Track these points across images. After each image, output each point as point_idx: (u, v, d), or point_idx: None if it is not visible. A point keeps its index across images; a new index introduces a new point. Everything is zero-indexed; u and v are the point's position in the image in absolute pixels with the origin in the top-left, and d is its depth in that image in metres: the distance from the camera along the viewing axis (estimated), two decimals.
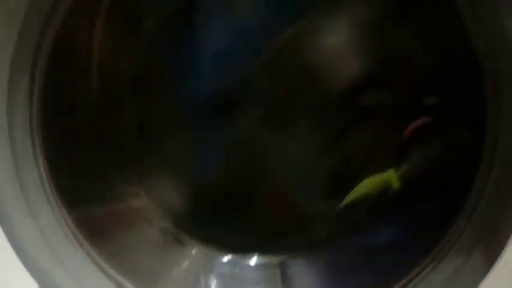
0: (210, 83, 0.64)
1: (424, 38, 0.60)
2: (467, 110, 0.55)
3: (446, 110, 0.60)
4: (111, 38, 0.61)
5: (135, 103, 0.63)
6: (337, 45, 0.64)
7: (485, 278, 0.42)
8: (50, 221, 0.52)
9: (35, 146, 0.53)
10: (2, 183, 0.48)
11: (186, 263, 0.62)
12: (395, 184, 0.62)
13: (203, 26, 0.63)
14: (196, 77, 0.64)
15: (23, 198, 0.50)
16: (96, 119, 0.60)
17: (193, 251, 0.63)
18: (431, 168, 0.59)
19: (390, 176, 0.63)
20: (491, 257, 0.43)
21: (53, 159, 0.53)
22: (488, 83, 0.49)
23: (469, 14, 0.49)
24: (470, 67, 0.50)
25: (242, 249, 0.64)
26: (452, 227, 0.51)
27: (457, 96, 0.57)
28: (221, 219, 0.65)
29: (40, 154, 0.53)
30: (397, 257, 0.56)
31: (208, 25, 0.64)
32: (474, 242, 0.48)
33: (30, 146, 0.53)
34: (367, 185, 0.63)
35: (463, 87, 0.55)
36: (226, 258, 0.64)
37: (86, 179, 0.58)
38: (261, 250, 0.65)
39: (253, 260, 0.64)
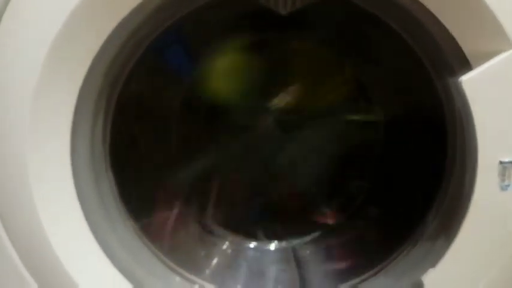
0: None
1: None
2: None
3: None
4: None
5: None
6: None
7: (445, 255, 0.55)
8: (124, 230, 0.64)
9: (107, 165, 0.65)
10: (88, 192, 0.60)
11: (223, 250, 0.75)
12: None
13: None
14: None
15: (104, 208, 0.62)
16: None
17: (228, 240, 0.76)
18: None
19: None
20: (449, 242, 0.55)
21: (120, 176, 0.66)
22: None
23: None
24: None
25: (264, 237, 0.77)
26: (424, 220, 0.64)
27: None
28: (246, 214, 0.78)
29: (111, 171, 0.65)
30: (385, 241, 0.70)
31: None
32: (439, 231, 0.61)
33: (103, 164, 0.65)
34: None
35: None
36: (252, 245, 0.77)
37: (146, 194, 0.71)
38: (278, 237, 0.77)
39: (272, 245, 0.77)
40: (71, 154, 0.56)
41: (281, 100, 0.76)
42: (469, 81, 0.49)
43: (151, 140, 0.74)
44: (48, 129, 0.54)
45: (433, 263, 0.56)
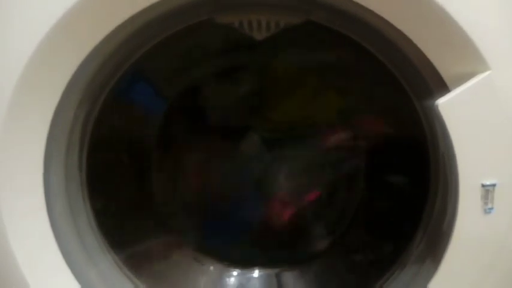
0: None
1: None
2: None
3: None
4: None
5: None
6: None
7: (432, 278, 0.54)
8: (103, 262, 0.63)
9: (84, 197, 0.64)
10: (64, 227, 0.58)
11: (205, 278, 0.74)
12: None
13: None
14: None
15: (81, 243, 0.60)
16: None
17: (211, 268, 0.75)
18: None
19: None
20: (436, 265, 0.54)
21: (97, 207, 0.64)
22: None
23: None
24: None
25: (247, 264, 0.75)
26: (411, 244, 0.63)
27: None
28: (230, 241, 0.76)
29: (88, 203, 0.64)
30: (372, 266, 0.69)
31: None
32: (425, 254, 0.60)
33: (81, 196, 0.64)
34: None
35: None
36: (235, 272, 0.75)
37: (127, 226, 0.69)
38: (262, 264, 0.76)
39: (256, 273, 0.76)
40: (44, 186, 0.55)
41: (261, 127, 0.75)
42: (445, 105, 0.48)
43: (129, 168, 0.73)
44: (20, 161, 0.53)
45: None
